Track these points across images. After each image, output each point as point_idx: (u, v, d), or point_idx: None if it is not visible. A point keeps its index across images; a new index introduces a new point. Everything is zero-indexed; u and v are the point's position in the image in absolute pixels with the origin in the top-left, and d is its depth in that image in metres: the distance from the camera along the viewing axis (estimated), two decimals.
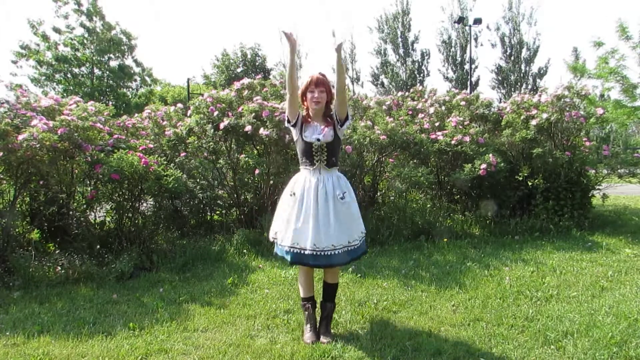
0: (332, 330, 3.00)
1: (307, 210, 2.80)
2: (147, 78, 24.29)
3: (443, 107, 7.08)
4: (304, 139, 2.91)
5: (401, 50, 27.05)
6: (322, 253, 2.75)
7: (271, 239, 3.05)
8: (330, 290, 3.02)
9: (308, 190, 2.84)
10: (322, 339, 2.86)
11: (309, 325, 2.94)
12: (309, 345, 2.80)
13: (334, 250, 2.76)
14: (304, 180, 2.90)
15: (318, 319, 3.03)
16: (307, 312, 2.98)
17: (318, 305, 3.08)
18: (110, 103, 20.18)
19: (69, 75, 21.57)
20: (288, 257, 2.85)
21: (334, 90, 2.94)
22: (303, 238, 2.78)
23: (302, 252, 2.78)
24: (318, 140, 2.87)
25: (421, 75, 27.29)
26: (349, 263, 2.95)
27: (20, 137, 3.97)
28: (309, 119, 2.96)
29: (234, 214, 6.09)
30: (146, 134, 5.90)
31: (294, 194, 2.89)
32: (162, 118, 6.30)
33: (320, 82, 2.88)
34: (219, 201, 5.88)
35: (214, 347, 2.82)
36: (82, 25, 21.01)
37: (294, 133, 2.98)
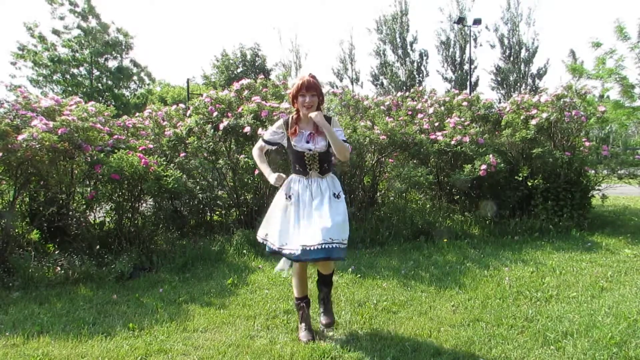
0: (331, 333, 3.00)
1: (303, 211, 2.80)
2: (145, 77, 24.30)
3: (442, 108, 7.09)
4: (295, 148, 2.88)
5: (400, 51, 27.11)
6: (319, 247, 2.66)
7: (260, 240, 3.01)
8: (325, 278, 3.01)
9: (303, 192, 2.84)
10: (322, 319, 2.89)
11: (304, 324, 2.95)
12: (305, 343, 2.81)
13: (331, 243, 2.68)
14: (298, 182, 2.89)
15: (316, 316, 3.04)
16: (301, 312, 2.99)
17: (316, 305, 3.08)
18: (112, 104, 20.18)
19: (67, 76, 21.57)
20: (272, 250, 2.85)
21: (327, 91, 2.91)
22: (296, 239, 2.75)
23: (294, 253, 2.74)
24: (310, 150, 2.84)
25: (420, 75, 27.36)
26: (335, 259, 2.88)
27: (20, 138, 3.97)
28: (298, 125, 2.89)
29: (234, 214, 6.08)
30: (146, 134, 5.90)
31: (290, 197, 2.87)
32: (163, 118, 6.31)
33: (311, 86, 2.81)
34: (218, 201, 5.88)
35: (213, 347, 2.82)
36: (79, 27, 21.04)
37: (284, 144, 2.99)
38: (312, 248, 2.67)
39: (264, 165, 2.98)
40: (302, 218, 2.79)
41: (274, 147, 3.05)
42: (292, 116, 2.94)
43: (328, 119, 2.91)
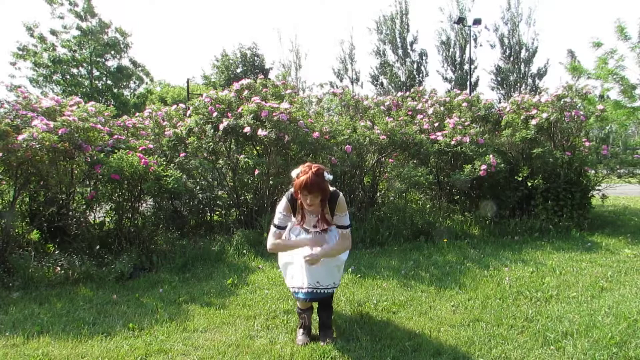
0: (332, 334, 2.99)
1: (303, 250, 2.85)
2: (143, 76, 24.29)
3: (442, 108, 7.09)
4: (302, 226, 2.94)
5: (400, 51, 27.07)
6: (320, 291, 2.83)
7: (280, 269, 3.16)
8: (323, 300, 3.00)
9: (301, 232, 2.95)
10: (321, 343, 2.85)
11: (302, 329, 2.95)
12: (305, 346, 2.80)
13: (317, 288, 2.82)
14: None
15: (316, 321, 3.03)
16: (302, 320, 2.99)
17: (315, 311, 3.08)
18: (112, 104, 20.19)
19: (67, 76, 21.58)
20: (301, 297, 2.88)
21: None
22: (300, 279, 2.84)
23: (300, 291, 2.85)
24: (317, 230, 2.91)
25: (420, 75, 27.32)
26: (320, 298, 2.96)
27: (20, 138, 3.97)
28: (303, 210, 2.84)
29: (234, 214, 6.08)
30: (146, 134, 5.90)
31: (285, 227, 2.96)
32: (163, 118, 6.31)
33: (313, 188, 2.61)
34: (218, 202, 5.88)
35: (213, 347, 2.82)
36: (78, 27, 21.05)
37: None
38: (299, 290, 2.82)
39: (290, 242, 2.89)
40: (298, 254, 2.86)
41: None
42: (297, 200, 2.81)
43: (334, 199, 2.80)
